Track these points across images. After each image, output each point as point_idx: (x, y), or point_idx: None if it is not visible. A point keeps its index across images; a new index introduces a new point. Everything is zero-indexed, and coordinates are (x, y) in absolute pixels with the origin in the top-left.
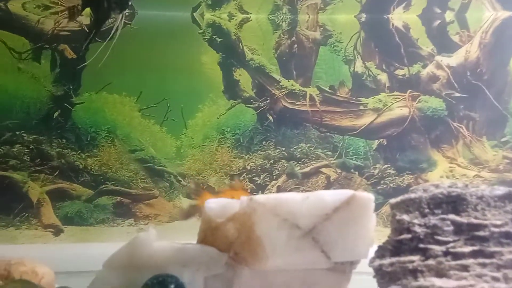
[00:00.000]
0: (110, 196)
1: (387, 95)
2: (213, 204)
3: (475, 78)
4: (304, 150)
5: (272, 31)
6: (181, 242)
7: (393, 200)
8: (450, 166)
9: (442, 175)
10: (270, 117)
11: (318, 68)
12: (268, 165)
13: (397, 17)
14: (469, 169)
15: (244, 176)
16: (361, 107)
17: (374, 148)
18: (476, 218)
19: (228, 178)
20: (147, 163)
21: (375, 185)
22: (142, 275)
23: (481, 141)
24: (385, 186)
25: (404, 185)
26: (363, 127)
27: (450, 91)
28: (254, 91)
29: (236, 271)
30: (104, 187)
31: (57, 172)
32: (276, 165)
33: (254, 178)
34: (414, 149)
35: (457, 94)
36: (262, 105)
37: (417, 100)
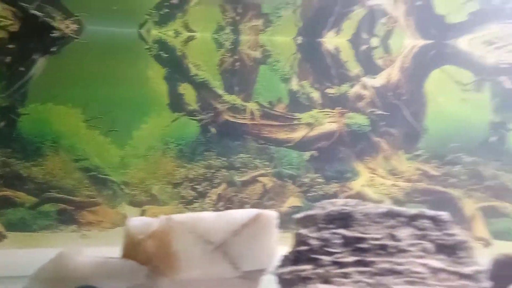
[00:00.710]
0: (54, 203)
1: (319, 111)
2: (135, 221)
3: (395, 98)
4: (244, 160)
5: (216, 49)
6: (104, 256)
7: (296, 216)
8: (371, 176)
9: (364, 184)
10: (213, 129)
11: (258, 85)
12: (209, 174)
13: (329, 41)
14: (387, 179)
15: (186, 185)
16: (296, 122)
17: (306, 159)
18: (360, 232)
19: (171, 186)
20: (91, 172)
21: (306, 193)
22: (66, 287)
23: (398, 154)
24: (314, 193)
25: (331, 193)
26: (297, 140)
27: (373, 109)
28: (198, 104)
29: (156, 282)
30: (48, 195)
31: (1, 181)
32: (217, 174)
33: (195, 186)
34: (341, 161)
35: (379, 112)
36: (205, 118)
37: (345, 116)
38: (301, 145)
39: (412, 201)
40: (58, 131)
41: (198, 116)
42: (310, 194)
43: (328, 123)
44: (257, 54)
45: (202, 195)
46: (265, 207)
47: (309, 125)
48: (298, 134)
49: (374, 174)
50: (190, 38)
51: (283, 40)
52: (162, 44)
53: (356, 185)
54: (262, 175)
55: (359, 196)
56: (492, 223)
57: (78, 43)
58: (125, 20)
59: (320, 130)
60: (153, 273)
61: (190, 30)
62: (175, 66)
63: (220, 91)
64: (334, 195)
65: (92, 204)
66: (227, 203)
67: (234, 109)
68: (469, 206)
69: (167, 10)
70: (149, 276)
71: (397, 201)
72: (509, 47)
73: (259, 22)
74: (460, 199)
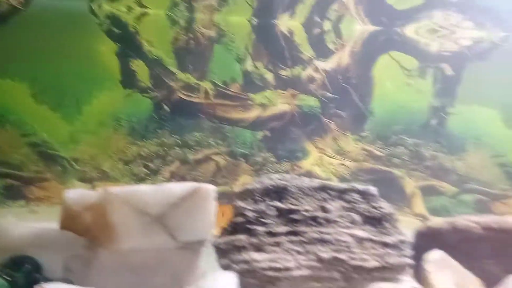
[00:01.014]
0: (0, 178)
1: (272, 92)
2: (73, 194)
3: (344, 81)
4: (197, 139)
5: (170, 26)
6: (41, 227)
7: (236, 190)
8: (320, 155)
9: (313, 163)
10: (166, 107)
11: (213, 64)
12: (162, 151)
13: (283, 23)
14: (335, 159)
15: (138, 162)
16: (250, 102)
17: (259, 139)
18: (293, 204)
19: (122, 163)
20: (39, 147)
21: (258, 171)
22: (1, 257)
23: (346, 135)
24: (266, 171)
25: (283, 171)
26: (250, 120)
27: (324, 91)
28: (151, 81)
29: (95, 252)
30: None
31: None
32: (170, 151)
33: (148, 164)
34: (292, 140)
35: (329, 95)
36: (158, 95)
37: (297, 98)
38: (255, 125)
39: (357, 179)
40: (5, 105)
41: (151, 93)
42: (263, 173)
43: (281, 104)
44: (212, 33)
45: (155, 172)
46: (218, 185)
47: (263, 105)
48: (252, 114)
49: (323, 153)
50: (143, 14)
51: (238, 20)
52: (114, 19)
53: (306, 164)
54: (215, 153)
55: (309, 175)
56: (430, 201)
57: (25, 15)
58: None
59: (273, 111)
60: (92, 244)
61: (143, 6)
62: (128, 42)
63: (174, 69)
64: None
65: (41, 180)
66: (180, 180)
67: (188, 87)
68: (410, 184)
69: None
70: (87, 247)
71: (343, 179)
72: (451, 36)
73: (214, 1)
74: (402, 178)
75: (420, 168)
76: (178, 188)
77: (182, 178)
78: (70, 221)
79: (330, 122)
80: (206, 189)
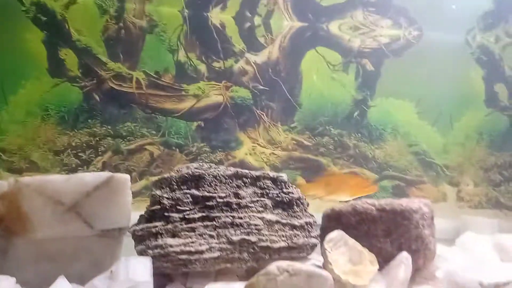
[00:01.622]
0: None
1: (206, 84)
2: None
3: (274, 74)
4: (130, 129)
5: (99, 15)
6: None
7: (152, 179)
8: (253, 145)
9: (246, 152)
10: (97, 97)
11: (144, 54)
12: (93, 142)
13: (215, 16)
14: (267, 148)
15: (69, 152)
16: (183, 93)
17: (193, 129)
18: (208, 192)
19: (52, 153)
20: None
21: (193, 161)
22: None
23: (277, 126)
24: (201, 161)
25: (217, 161)
26: (184, 110)
27: (255, 84)
28: (80, 71)
29: (10, 241)
30: None
31: None
32: (102, 142)
33: (79, 154)
34: (226, 131)
35: (261, 87)
36: (88, 84)
37: (230, 89)
38: (189, 115)
39: (288, 167)
40: None
41: (81, 82)
42: (197, 162)
43: (214, 95)
44: (143, 23)
45: (87, 162)
46: (153, 175)
47: (196, 96)
48: (186, 104)
49: (256, 143)
50: (71, 2)
51: (169, 11)
52: (40, 6)
53: (240, 153)
54: (149, 143)
55: (243, 164)
56: None
57: None
58: None
59: (206, 102)
60: (6, 233)
61: None
62: (55, 30)
63: (104, 58)
64: (220, 163)
65: None
66: (113, 171)
67: (119, 77)
68: (335, 171)
69: None
70: (1, 237)
71: (275, 168)
72: (370, 33)
73: None
74: (328, 166)
75: (344, 157)
76: (91, 177)
77: (115, 168)
78: None
79: (261, 113)
80: (120, 178)
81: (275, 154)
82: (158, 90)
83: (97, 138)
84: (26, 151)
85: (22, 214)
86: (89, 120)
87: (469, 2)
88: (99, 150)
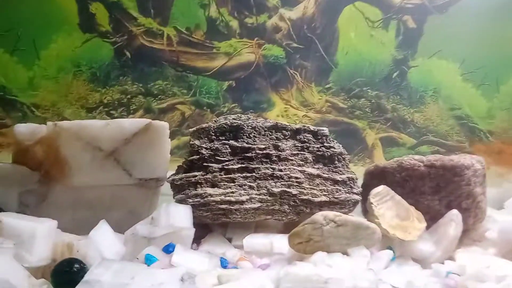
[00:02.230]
0: None
1: (237, 41)
2: (22, 128)
3: (310, 31)
4: (161, 87)
5: None
6: None
7: (190, 129)
8: (285, 107)
9: (278, 114)
10: (128, 53)
11: (175, 9)
12: (125, 99)
13: None
14: (300, 110)
15: (101, 109)
16: (214, 50)
17: (224, 89)
18: (247, 143)
19: (84, 110)
20: None
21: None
22: None
23: (310, 86)
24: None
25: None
26: (215, 69)
27: (289, 41)
28: (111, 26)
29: (49, 187)
30: None
31: None
32: (133, 100)
33: (111, 112)
34: (258, 91)
35: (295, 45)
36: (119, 40)
37: (262, 47)
38: (220, 74)
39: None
40: None
41: (112, 38)
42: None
43: (246, 53)
44: None
45: None
46: (184, 135)
47: (228, 54)
48: (217, 63)
49: (288, 105)
50: None
51: None
52: None
53: (271, 115)
54: (180, 103)
55: None
56: (390, 152)
57: None
58: None
59: (238, 60)
60: (45, 178)
61: None
62: None
63: (135, 13)
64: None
65: (1, 126)
66: None
67: (150, 33)
68: (371, 136)
69: None
70: (41, 182)
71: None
72: None
73: None
74: (364, 130)
75: (381, 120)
76: (130, 123)
77: None
78: (22, 155)
79: (295, 73)
80: (159, 125)
81: (308, 117)
82: (189, 48)
83: (129, 96)
84: (58, 107)
85: (60, 158)
86: (120, 77)
87: None
88: (131, 108)
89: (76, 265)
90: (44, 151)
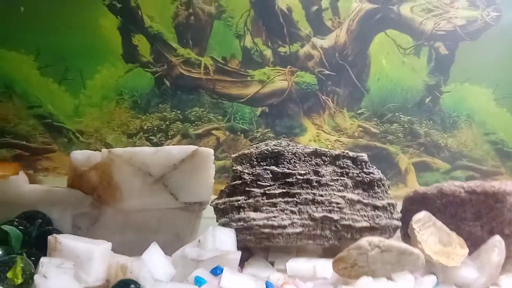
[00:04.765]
0: (10, 149)
1: (271, 69)
2: (78, 155)
3: (341, 58)
4: (198, 114)
5: (170, 2)
6: (50, 185)
7: (233, 155)
8: (317, 132)
9: (310, 139)
10: (167, 82)
11: (212, 40)
12: (164, 126)
13: (282, 1)
14: (332, 135)
15: (141, 135)
16: (249, 78)
17: (258, 115)
18: (288, 168)
19: (126, 136)
20: (46, 119)
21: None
22: (14, 211)
23: (342, 112)
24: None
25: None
26: (249, 96)
27: (321, 69)
28: (152, 56)
29: (101, 210)
30: (3, 140)
31: None
32: (171, 126)
33: (150, 137)
34: (290, 117)
35: (327, 72)
36: (159, 70)
37: (295, 75)
38: (253, 101)
39: None
40: (10, 76)
41: (152, 68)
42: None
43: (279, 81)
44: (212, 9)
45: (157, 145)
46: (219, 159)
47: (261, 82)
48: (251, 90)
49: (320, 130)
50: None
51: None
52: None
53: (304, 140)
54: (215, 128)
55: None
56: (424, 177)
57: None
58: None
59: (271, 87)
60: (98, 202)
61: None
62: (129, 17)
63: (174, 44)
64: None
65: (48, 151)
66: None
67: (188, 63)
68: (404, 161)
69: None
70: (93, 205)
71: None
72: (445, 15)
73: None
74: (396, 155)
75: (414, 145)
76: (178, 150)
77: None
78: (77, 180)
79: (327, 99)
80: (205, 151)
81: (340, 141)
82: (224, 76)
83: (167, 122)
84: (101, 133)
85: (113, 183)
86: (160, 105)
87: None
88: (169, 134)
89: (132, 286)
90: (98, 176)
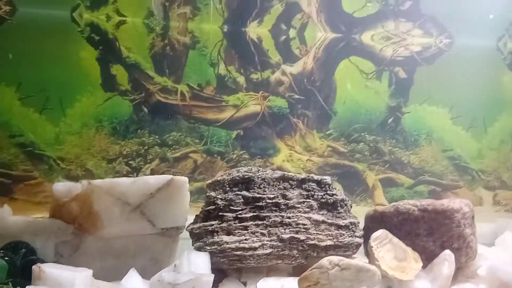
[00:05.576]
0: None
1: (244, 94)
2: (60, 186)
3: (310, 84)
4: (176, 138)
5: (147, 33)
6: (33, 216)
7: (207, 181)
8: (289, 152)
9: (284, 159)
10: (145, 109)
11: (188, 69)
12: (142, 150)
13: (252, 31)
14: (303, 155)
15: (120, 160)
16: (223, 103)
17: (233, 137)
18: (258, 193)
19: (105, 162)
20: (27, 147)
21: (233, 167)
22: None
23: (312, 133)
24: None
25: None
26: (224, 120)
27: (291, 93)
28: (130, 85)
29: (82, 238)
30: None
31: None
32: (150, 150)
33: (129, 162)
34: (264, 139)
35: (297, 96)
36: (137, 98)
37: (267, 99)
38: (229, 124)
39: (324, 173)
40: None
41: (131, 96)
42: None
43: (253, 105)
44: (187, 39)
45: (136, 170)
46: (196, 181)
47: (236, 106)
48: (226, 114)
49: (292, 150)
50: (121, 23)
51: (210, 27)
52: (94, 27)
53: (277, 160)
54: (193, 152)
55: (280, 170)
56: (389, 192)
57: (11, 24)
58: (58, 4)
59: (245, 112)
60: (79, 231)
61: (121, 15)
62: (107, 49)
63: (151, 73)
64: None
65: (29, 178)
66: None
67: (165, 90)
68: (371, 177)
69: None
70: (75, 234)
71: (311, 174)
72: (402, 42)
73: (187, 10)
74: (364, 172)
75: (379, 162)
76: (154, 179)
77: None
78: (59, 210)
79: (298, 122)
80: (180, 180)
81: (312, 161)
82: (200, 102)
83: (146, 147)
84: (82, 159)
85: (93, 213)
86: (138, 131)
87: (498, 10)
88: (148, 158)
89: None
90: (79, 206)
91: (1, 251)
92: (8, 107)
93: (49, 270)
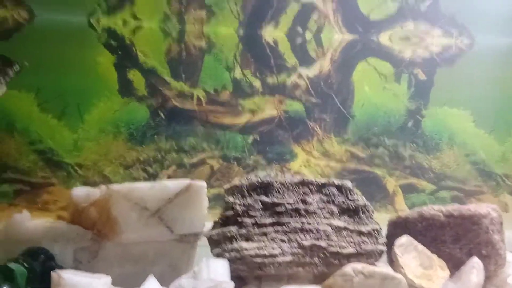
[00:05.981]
0: (11, 183)
1: (260, 98)
2: (79, 192)
3: (326, 87)
4: (192, 144)
5: (163, 38)
6: (52, 221)
7: (225, 186)
8: (307, 157)
9: (301, 164)
10: (162, 114)
11: (204, 73)
12: (159, 156)
13: (268, 34)
14: (321, 160)
15: (137, 166)
16: (239, 108)
17: (249, 142)
18: (277, 198)
19: (123, 168)
20: (46, 154)
21: (250, 173)
22: (18, 248)
23: (330, 138)
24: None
25: (272, 173)
26: (241, 125)
27: (308, 97)
28: (146, 90)
29: (100, 244)
30: (4, 175)
31: None
32: (166, 156)
33: (146, 168)
34: (280, 144)
35: (314, 100)
36: (154, 103)
37: (283, 103)
38: (245, 129)
39: (342, 179)
40: (12, 114)
41: (147, 101)
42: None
43: (268, 109)
44: (202, 44)
45: (153, 176)
46: (213, 187)
47: (252, 111)
48: (242, 119)
49: (310, 155)
50: (138, 28)
51: (226, 31)
52: (111, 32)
53: (294, 165)
54: (209, 157)
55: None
56: (410, 198)
57: (29, 30)
58: (75, 9)
59: (261, 116)
60: (97, 236)
61: (138, 20)
62: (124, 54)
63: (168, 78)
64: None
65: (48, 185)
66: None
67: (181, 95)
68: (391, 183)
69: (115, 0)
70: (93, 239)
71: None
72: (422, 43)
73: (203, 14)
74: (383, 177)
75: (400, 168)
76: (173, 184)
77: None
78: (77, 216)
79: (315, 126)
80: (198, 185)
81: (330, 166)
82: (216, 106)
83: (162, 153)
84: (99, 166)
85: (111, 218)
86: (155, 136)
87: None
88: (164, 164)
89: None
90: (97, 211)
91: (21, 257)
92: (27, 113)
93: (68, 277)
